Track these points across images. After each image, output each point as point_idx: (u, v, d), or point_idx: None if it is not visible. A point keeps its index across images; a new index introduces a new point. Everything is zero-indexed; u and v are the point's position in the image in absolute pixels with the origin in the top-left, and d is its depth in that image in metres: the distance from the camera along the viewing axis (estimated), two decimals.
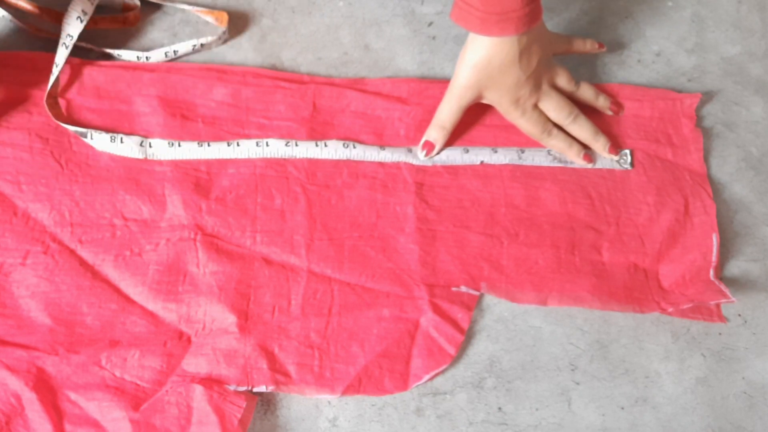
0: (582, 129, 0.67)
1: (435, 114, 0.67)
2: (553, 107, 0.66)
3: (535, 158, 0.67)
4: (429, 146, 0.66)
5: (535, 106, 0.66)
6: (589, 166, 0.67)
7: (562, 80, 0.67)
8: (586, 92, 0.68)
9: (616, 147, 0.68)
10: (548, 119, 0.66)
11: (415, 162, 0.67)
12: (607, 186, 0.67)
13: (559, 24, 0.75)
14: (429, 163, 0.67)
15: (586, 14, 0.76)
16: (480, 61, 0.63)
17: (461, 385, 0.61)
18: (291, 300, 0.61)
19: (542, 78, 0.65)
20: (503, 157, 0.67)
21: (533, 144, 0.68)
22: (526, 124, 0.66)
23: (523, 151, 0.67)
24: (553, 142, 0.67)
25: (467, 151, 0.67)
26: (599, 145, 0.67)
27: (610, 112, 0.69)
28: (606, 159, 0.68)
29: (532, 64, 0.63)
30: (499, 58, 0.62)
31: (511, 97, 0.65)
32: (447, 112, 0.66)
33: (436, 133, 0.66)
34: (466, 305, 0.62)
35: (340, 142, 0.66)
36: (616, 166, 0.68)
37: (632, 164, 0.68)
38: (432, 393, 0.60)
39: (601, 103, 0.69)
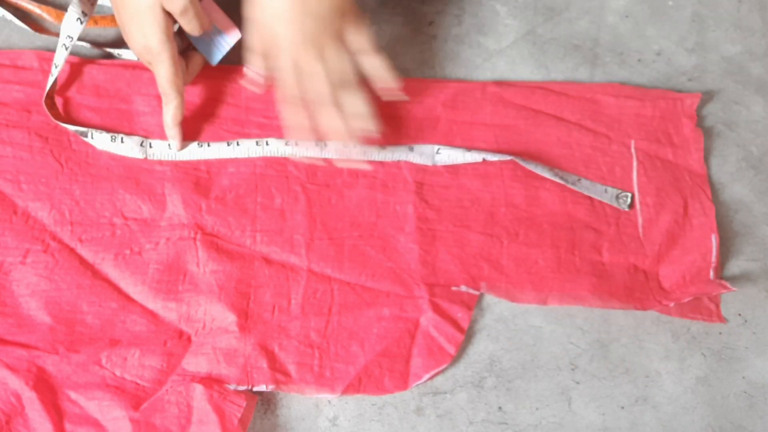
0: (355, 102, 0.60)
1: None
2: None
3: (537, 168, 0.66)
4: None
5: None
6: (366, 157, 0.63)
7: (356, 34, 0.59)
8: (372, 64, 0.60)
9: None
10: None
11: (416, 160, 0.67)
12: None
13: (559, 24, 0.75)
14: (430, 163, 0.67)
15: (587, 14, 0.76)
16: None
17: (461, 385, 0.61)
18: (291, 299, 0.61)
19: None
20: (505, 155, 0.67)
21: (532, 130, 0.68)
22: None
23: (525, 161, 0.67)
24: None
25: (468, 151, 0.67)
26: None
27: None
28: (606, 195, 0.66)
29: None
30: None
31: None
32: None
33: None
34: (466, 304, 0.62)
35: (340, 141, 0.66)
36: (614, 203, 0.66)
37: (631, 206, 0.66)
38: (432, 392, 0.60)
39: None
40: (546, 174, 0.66)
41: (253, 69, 0.62)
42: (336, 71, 0.59)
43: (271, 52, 0.59)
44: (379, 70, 0.61)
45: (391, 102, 0.68)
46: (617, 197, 0.66)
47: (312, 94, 0.59)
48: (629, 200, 0.66)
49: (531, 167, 0.66)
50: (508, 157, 0.67)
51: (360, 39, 0.60)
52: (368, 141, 0.66)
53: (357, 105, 0.60)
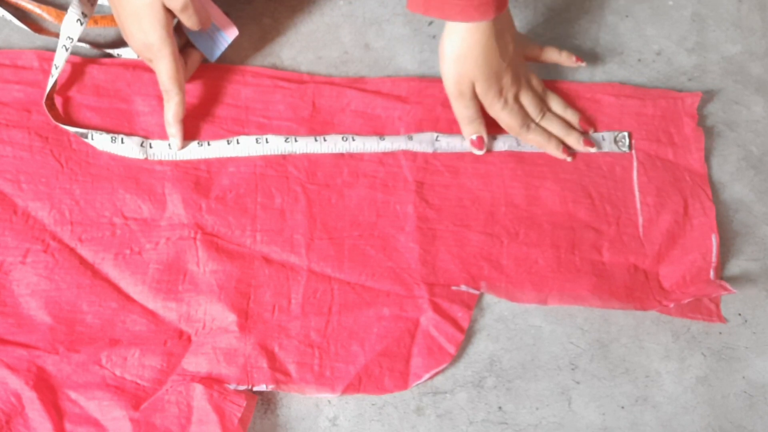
0: (553, 124, 0.67)
1: (455, 115, 0.66)
2: (529, 101, 0.66)
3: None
4: (480, 141, 0.66)
5: (516, 99, 0.66)
6: (569, 159, 0.67)
7: (535, 81, 0.68)
8: (554, 103, 0.68)
9: (589, 140, 0.68)
10: (527, 113, 0.66)
11: (416, 149, 0.66)
12: (608, 186, 0.67)
13: (559, 24, 0.75)
14: (430, 150, 0.66)
15: (587, 14, 0.76)
16: (462, 51, 0.62)
17: (461, 384, 0.61)
18: (291, 299, 0.61)
19: (519, 70, 0.65)
20: (502, 143, 0.67)
21: None
22: (508, 117, 0.65)
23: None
24: (531, 136, 0.66)
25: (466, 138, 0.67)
26: (573, 139, 0.67)
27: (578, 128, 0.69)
28: (605, 143, 0.68)
29: (509, 50, 0.63)
30: (479, 45, 0.61)
31: (497, 88, 0.64)
32: (463, 108, 0.65)
33: (472, 128, 0.66)
34: (466, 304, 0.62)
35: (339, 136, 0.66)
36: (615, 149, 0.68)
37: (630, 147, 0.68)
38: (432, 392, 0.60)
39: (570, 116, 0.69)
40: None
41: (474, 134, 0.66)
42: (538, 87, 0.68)
43: (486, 98, 0.65)
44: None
45: (391, 102, 0.69)
46: (615, 140, 0.68)
47: (534, 115, 0.67)
48: (627, 140, 0.68)
49: (527, 148, 0.67)
50: (505, 148, 0.67)
51: (532, 47, 0.68)
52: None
53: (560, 104, 0.68)
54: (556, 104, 0.68)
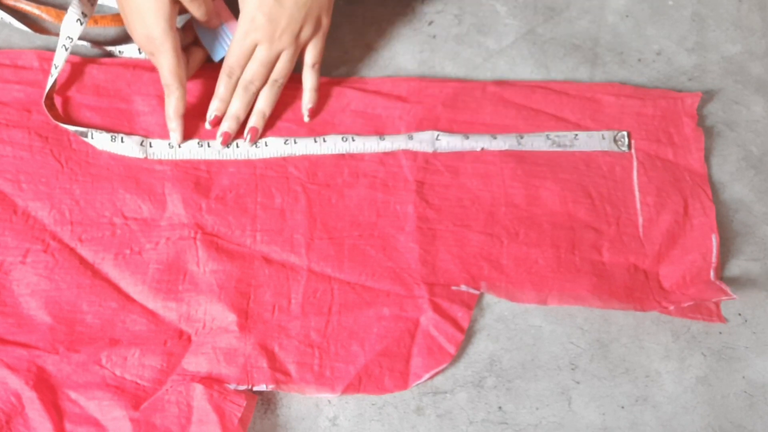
0: (270, 101, 0.65)
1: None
2: (264, 60, 0.63)
3: (534, 143, 0.67)
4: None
5: (263, 50, 0.63)
6: (220, 140, 0.65)
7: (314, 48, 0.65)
8: (308, 77, 0.66)
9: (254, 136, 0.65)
10: (250, 65, 0.63)
11: (416, 148, 0.66)
12: (608, 186, 0.67)
13: (559, 23, 0.75)
14: (430, 149, 0.66)
15: (587, 13, 0.76)
16: None
17: (461, 384, 0.61)
18: (291, 299, 0.61)
19: (303, 34, 0.63)
20: (503, 143, 0.67)
21: (532, 130, 0.68)
22: (236, 48, 0.63)
23: (522, 137, 0.68)
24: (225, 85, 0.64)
25: (467, 137, 0.67)
26: (255, 120, 0.65)
27: (306, 111, 0.67)
28: (605, 141, 0.68)
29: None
30: None
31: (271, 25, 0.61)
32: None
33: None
34: (466, 304, 0.62)
35: (339, 136, 0.66)
36: (614, 148, 0.68)
37: (630, 146, 0.68)
38: (432, 392, 0.60)
39: (306, 98, 0.67)
40: (543, 147, 0.67)
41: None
42: (278, 70, 0.64)
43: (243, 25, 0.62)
44: (310, 87, 0.66)
45: (391, 101, 0.69)
46: (615, 140, 0.68)
47: (246, 75, 0.64)
48: (627, 139, 0.68)
49: (528, 147, 0.67)
50: (506, 147, 0.67)
51: (314, 52, 0.65)
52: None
53: (266, 103, 0.65)
54: (308, 78, 0.66)
